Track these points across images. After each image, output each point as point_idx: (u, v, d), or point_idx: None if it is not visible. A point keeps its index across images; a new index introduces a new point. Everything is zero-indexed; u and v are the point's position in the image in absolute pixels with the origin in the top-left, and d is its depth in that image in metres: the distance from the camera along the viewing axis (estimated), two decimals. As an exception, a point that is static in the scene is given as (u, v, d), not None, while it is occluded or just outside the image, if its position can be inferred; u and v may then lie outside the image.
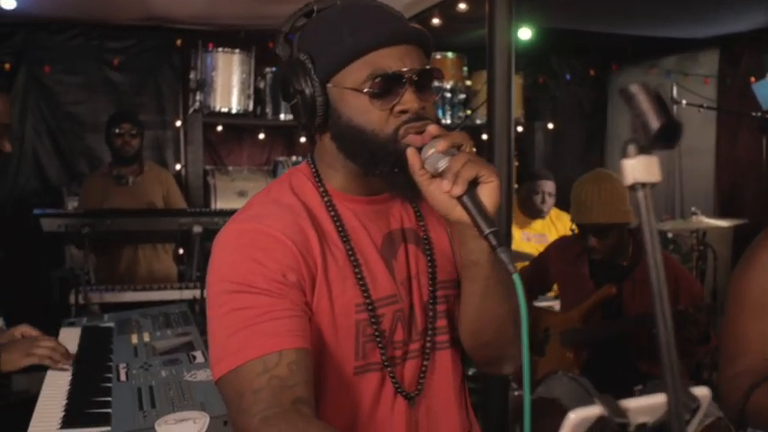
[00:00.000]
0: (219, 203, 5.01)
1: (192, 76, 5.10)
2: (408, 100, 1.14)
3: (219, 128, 5.47)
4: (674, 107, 4.06)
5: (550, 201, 4.42)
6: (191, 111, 5.14)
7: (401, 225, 1.28)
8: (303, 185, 1.25)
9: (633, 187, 0.70)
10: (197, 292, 3.55)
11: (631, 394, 2.87)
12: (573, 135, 6.45)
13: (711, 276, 4.70)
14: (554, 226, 4.52)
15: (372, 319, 1.19)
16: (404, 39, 1.17)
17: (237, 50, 5.11)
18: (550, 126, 6.31)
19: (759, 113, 4.05)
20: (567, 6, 4.19)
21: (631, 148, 0.70)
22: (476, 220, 1.06)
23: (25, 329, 2.06)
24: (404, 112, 1.15)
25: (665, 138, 0.72)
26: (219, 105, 5.06)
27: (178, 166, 5.42)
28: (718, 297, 4.80)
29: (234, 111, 5.10)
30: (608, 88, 6.58)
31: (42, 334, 2.03)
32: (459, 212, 1.09)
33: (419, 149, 1.12)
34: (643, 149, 0.70)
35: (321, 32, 1.19)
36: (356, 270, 1.20)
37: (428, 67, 1.18)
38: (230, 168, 5.35)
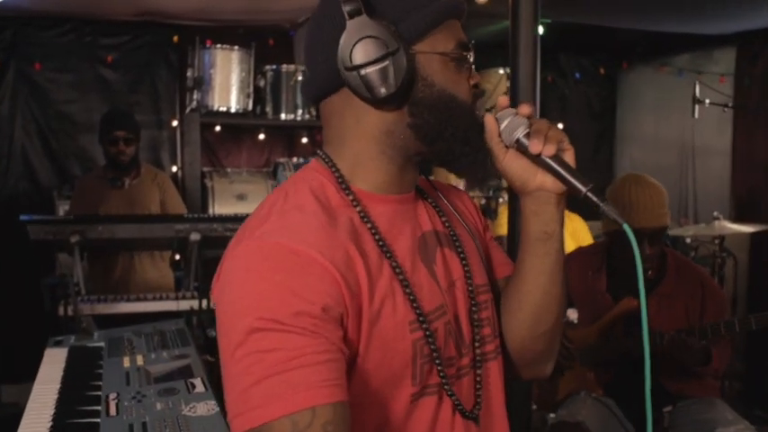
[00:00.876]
0: (218, 207, 4.81)
1: (189, 73, 4.90)
2: (476, 77, 1.10)
3: (218, 128, 5.30)
4: (696, 106, 3.87)
5: None
6: (188, 110, 4.96)
7: (432, 227, 1.15)
8: (324, 189, 1.05)
9: None
10: (194, 303, 3.36)
11: (660, 415, 2.69)
12: (582, 135, 6.27)
13: (732, 284, 4.53)
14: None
15: (428, 337, 1.03)
16: (461, 14, 1.11)
17: (236, 47, 4.94)
18: (559, 125, 6.11)
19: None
20: (578, 2, 4.01)
21: None
22: (570, 180, 1.03)
23: None
24: (475, 86, 1.10)
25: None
26: (218, 104, 4.89)
27: (174, 168, 5.24)
28: (738, 306, 4.63)
29: (233, 110, 4.92)
30: (618, 87, 6.43)
31: None
32: (540, 178, 1.06)
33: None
34: None
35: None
36: (404, 283, 1.02)
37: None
38: (229, 170, 5.15)
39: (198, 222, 3.31)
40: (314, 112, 5.16)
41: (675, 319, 2.60)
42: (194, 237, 3.23)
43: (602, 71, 6.36)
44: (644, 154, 6.17)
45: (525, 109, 1.07)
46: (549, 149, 1.03)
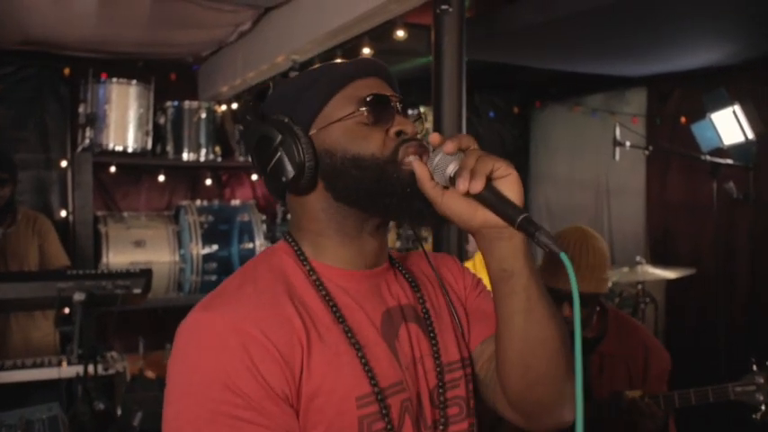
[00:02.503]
0: (113, 255, 4.40)
1: (81, 109, 4.57)
2: (402, 122, 1.09)
3: (113, 168, 4.93)
4: (617, 149, 3.80)
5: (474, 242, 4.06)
6: (79, 149, 4.57)
7: (398, 302, 1.15)
8: (284, 264, 1.11)
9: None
10: (80, 369, 2.96)
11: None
12: (496, 174, 6.20)
13: (653, 328, 4.47)
14: (482, 269, 4.15)
15: (383, 413, 1.03)
16: (374, 71, 1.14)
17: (134, 81, 4.63)
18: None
19: (706, 156, 3.84)
20: (490, 40, 3.93)
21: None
22: (503, 211, 0.97)
23: None
24: (399, 133, 1.08)
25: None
26: (113, 143, 4.54)
27: (64, 213, 4.81)
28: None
29: (130, 149, 4.58)
30: (531, 126, 6.42)
31: None
32: (481, 215, 1.00)
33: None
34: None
35: (289, 89, 1.13)
36: (359, 354, 1.04)
37: (402, 97, 1.14)
38: (125, 214, 4.76)
39: (84, 280, 2.92)
40: (219, 152, 4.87)
41: (617, 380, 2.42)
42: (78, 297, 2.83)
43: (515, 110, 6.36)
44: (558, 194, 6.14)
45: (448, 146, 1.01)
46: (476, 185, 0.96)
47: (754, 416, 2.10)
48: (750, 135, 3.76)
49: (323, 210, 1.10)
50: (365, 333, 1.07)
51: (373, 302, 1.11)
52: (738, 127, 3.73)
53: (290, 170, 1.06)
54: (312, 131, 1.08)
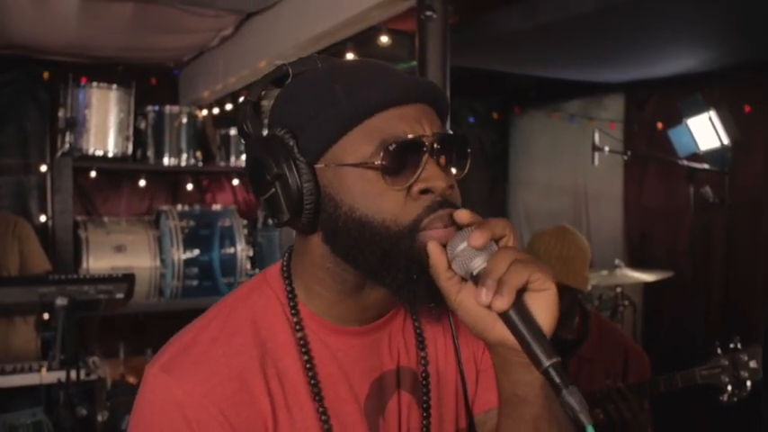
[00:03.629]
0: (93, 261, 4.37)
1: (60, 114, 4.53)
2: (432, 175, 0.85)
3: (93, 173, 4.89)
4: (596, 154, 3.86)
5: None
6: (59, 153, 4.52)
7: (396, 363, 0.99)
8: (270, 312, 0.95)
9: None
10: (62, 374, 2.94)
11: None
12: (476, 179, 6.25)
13: (631, 330, 4.53)
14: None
15: None
16: (419, 95, 0.89)
17: (115, 86, 4.60)
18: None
19: (684, 161, 3.91)
20: (470, 46, 3.98)
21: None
22: (529, 346, 0.78)
23: None
24: (426, 191, 0.86)
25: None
26: (93, 148, 4.51)
27: (44, 218, 4.76)
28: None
29: (110, 154, 4.56)
30: (510, 132, 6.47)
31: None
32: (500, 331, 0.81)
33: (444, 245, 0.84)
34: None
35: (305, 98, 0.89)
36: None
37: (451, 132, 0.90)
38: (106, 220, 4.72)
39: (65, 284, 2.91)
40: (200, 157, 4.86)
41: (595, 383, 2.45)
42: (61, 302, 2.82)
43: (495, 116, 6.40)
44: (537, 199, 6.19)
45: (476, 239, 0.81)
46: (502, 303, 0.77)
47: (720, 397, 2.14)
48: (725, 141, 3.84)
49: (321, 256, 0.93)
50: (344, 413, 0.94)
51: (364, 367, 0.97)
52: (714, 133, 3.80)
53: (284, 211, 0.89)
54: (319, 165, 0.88)
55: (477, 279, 0.81)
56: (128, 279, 3.09)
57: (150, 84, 5.11)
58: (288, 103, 0.92)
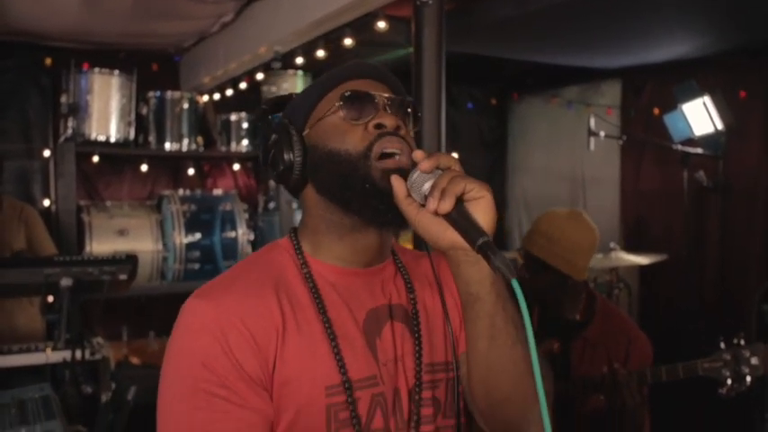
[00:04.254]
0: (96, 244, 4.43)
1: (63, 99, 4.54)
2: (384, 117, 1.11)
3: (95, 158, 4.94)
4: (591, 139, 3.90)
5: None
6: (62, 139, 4.57)
7: (389, 300, 1.18)
8: (281, 258, 1.17)
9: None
10: (67, 354, 3.00)
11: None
12: (474, 164, 6.30)
13: (626, 313, 4.59)
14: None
15: (350, 403, 1.08)
16: (368, 73, 1.17)
17: (117, 72, 4.61)
18: (453, 155, 6.14)
19: (678, 146, 3.95)
20: (468, 32, 4.01)
21: None
22: (466, 233, 0.97)
23: None
24: (379, 126, 1.10)
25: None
26: (95, 133, 4.53)
27: (47, 202, 4.83)
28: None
29: (112, 139, 4.57)
30: (509, 118, 6.51)
31: None
32: (450, 235, 1.00)
33: (405, 178, 1.05)
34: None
35: (298, 96, 1.21)
36: (333, 344, 1.09)
37: (401, 97, 1.15)
38: (108, 204, 4.77)
39: (70, 266, 2.96)
40: (201, 142, 4.91)
41: (597, 365, 2.50)
42: (66, 282, 2.87)
43: (493, 102, 6.43)
44: (535, 184, 6.24)
45: (424, 165, 1.02)
46: (444, 205, 0.97)
47: (720, 390, 2.20)
48: (719, 125, 3.88)
49: (314, 205, 1.16)
50: (345, 328, 1.11)
51: (361, 300, 1.15)
52: (708, 118, 3.85)
53: (280, 165, 1.13)
54: (305, 131, 1.15)
55: (427, 197, 1.00)
56: (131, 261, 3.14)
57: (152, 70, 5.16)
58: (289, 106, 1.21)
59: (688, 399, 3.62)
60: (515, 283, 0.92)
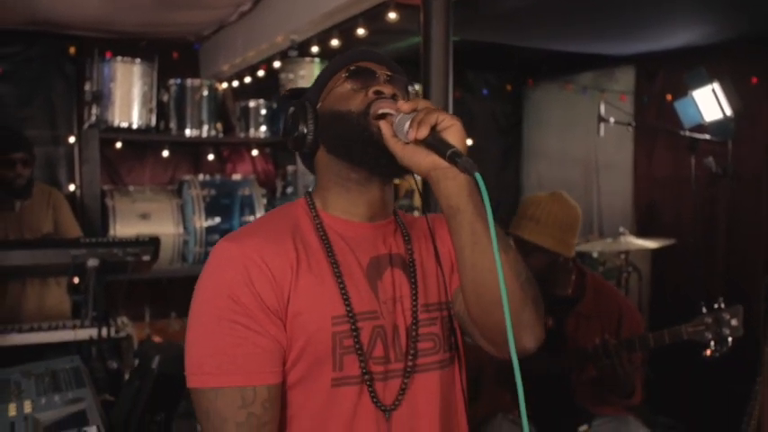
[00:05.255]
0: (119, 228, 4.58)
1: (87, 87, 4.70)
2: (382, 85, 1.29)
3: (119, 144, 5.10)
4: (602, 125, 3.97)
5: None
6: (86, 126, 4.73)
7: (389, 250, 1.34)
8: (297, 212, 1.35)
9: None
10: (93, 332, 3.15)
11: (576, 434, 2.71)
12: (489, 150, 6.38)
13: (636, 297, 4.67)
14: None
15: (353, 331, 1.24)
16: (371, 57, 1.36)
17: (138, 60, 4.77)
18: (468, 142, 6.20)
19: (686, 132, 4.01)
20: (485, 21, 4.08)
21: None
22: (439, 150, 1.13)
23: None
24: (378, 93, 1.28)
25: None
26: (118, 120, 4.70)
27: (72, 187, 4.99)
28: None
29: (134, 126, 4.74)
30: (524, 104, 6.56)
31: None
32: (430, 158, 1.16)
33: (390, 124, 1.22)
34: None
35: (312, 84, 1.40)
36: (339, 281, 1.26)
37: (398, 75, 1.35)
38: (131, 188, 4.93)
39: (96, 247, 3.11)
40: (220, 128, 5.03)
41: (591, 338, 2.61)
42: (92, 263, 3.02)
43: (508, 88, 6.48)
44: (550, 170, 6.30)
45: (403, 106, 1.19)
46: (421, 132, 1.13)
47: (704, 353, 2.30)
48: (728, 112, 3.93)
49: (325, 165, 1.34)
50: (350, 269, 1.28)
51: (365, 248, 1.31)
52: (717, 104, 3.90)
53: (296, 133, 1.32)
54: (319, 105, 1.33)
55: (407, 137, 1.17)
56: (153, 242, 3.28)
57: (172, 58, 5.27)
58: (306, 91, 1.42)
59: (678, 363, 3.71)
60: (478, 176, 1.08)
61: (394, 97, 1.27)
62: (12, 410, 1.77)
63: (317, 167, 1.38)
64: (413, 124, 1.15)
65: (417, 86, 4.85)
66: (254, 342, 1.19)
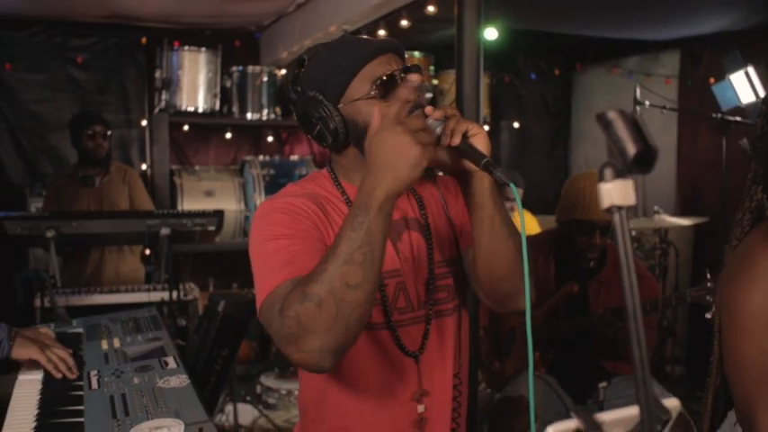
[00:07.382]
0: (186, 203, 4.97)
1: (157, 74, 5.08)
2: (405, 93, 1.36)
3: (186, 127, 5.46)
4: (637, 108, 4.14)
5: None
6: (156, 110, 5.11)
7: (405, 215, 1.51)
8: (323, 182, 1.51)
9: (610, 210, 0.71)
10: (164, 294, 3.53)
11: (595, 390, 2.95)
12: (538, 134, 6.53)
13: (673, 274, 4.83)
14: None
15: (381, 288, 1.41)
16: (384, 50, 1.44)
17: (203, 49, 5.10)
18: (516, 125, 6.39)
19: (719, 114, 4.14)
20: (532, 8, 4.25)
21: (608, 172, 0.71)
22: (473, 157, 1.29)
23: (45, 330, 2.10)
24: (408, 104, 1.35)
25: (642, 163, 0.72)
26: (186, 104, 5.05)
27: (144, 166, 5.40)
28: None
29: (200, 110, 5.09)
30: (572, 87, 6.68)
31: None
32: (462, 162, 1.34)
33: None
34: (619, 173, 0.70)
35: (320, 68, 1.45)
36: None
37: (408, 65, 1.47)
38: (197, 168, 5.31)
39: (168, 218, 3.49)
40: (279, 112, 5.35)
41: (611, 304, 2.86)
42: (164, 231, 3.40)
43: (557, 72, 6.58)
44: (597, 152, 6.42)
45: (435, 114, 1.33)
46: (456, 140, 1.30)
47: (706, 314, 2.51)
48: (762, 94, 4.05)
49: (354, 158, 1.47)
50: None
51: None
52: (750, 87, 4.02)
53: (328, 138, 1.43)
54: (340, 105, 1.42)
55: (440, 138, 1.32)
56: (218, 214, 3.64)
57: (234, 46, 5.56)
58: (311, 73, 1.47)
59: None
60: (514, 187, 1.23)
61: (418, 104, 1.35)
62: (104, 345, 2.14)
63: (340, 155, 1.50)
64: (447, 132, 1.30)
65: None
66: (309, 246, 1.34)
